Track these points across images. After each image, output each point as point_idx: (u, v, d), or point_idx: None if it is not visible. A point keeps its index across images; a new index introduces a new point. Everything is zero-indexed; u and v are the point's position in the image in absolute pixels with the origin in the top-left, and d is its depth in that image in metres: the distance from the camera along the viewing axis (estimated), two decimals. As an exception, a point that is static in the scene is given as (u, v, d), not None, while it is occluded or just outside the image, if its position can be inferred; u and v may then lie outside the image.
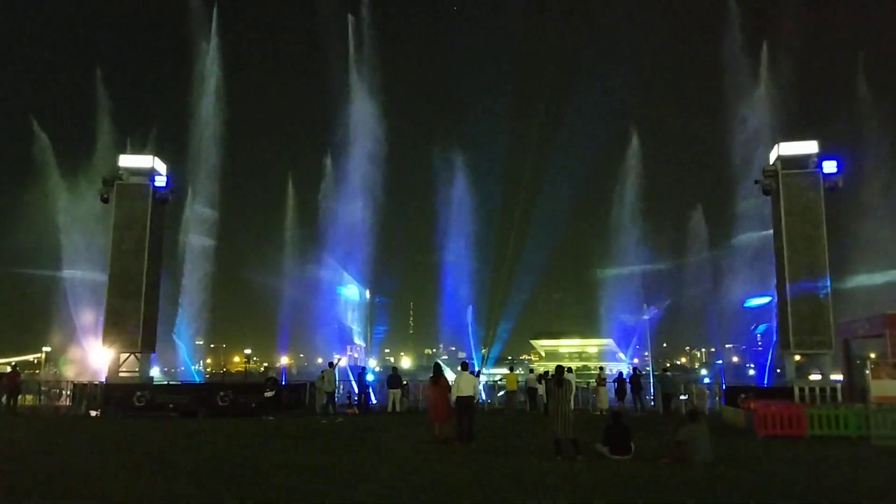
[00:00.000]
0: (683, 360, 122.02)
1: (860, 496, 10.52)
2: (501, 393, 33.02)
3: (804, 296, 26.60)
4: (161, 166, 31.18)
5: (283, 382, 33.71)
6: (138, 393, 28.02)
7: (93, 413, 27.08)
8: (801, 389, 25.65)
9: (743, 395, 24.61)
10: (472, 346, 53.02)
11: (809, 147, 27.69)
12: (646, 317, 48.24)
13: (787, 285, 26.86)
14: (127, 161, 30.63)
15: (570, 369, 22.31)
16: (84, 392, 28.36)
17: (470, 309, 50.78)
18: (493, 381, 37.05)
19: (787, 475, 12.38)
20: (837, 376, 27.48)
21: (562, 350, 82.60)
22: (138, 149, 32.21)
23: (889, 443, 17.05)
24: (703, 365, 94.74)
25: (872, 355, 25.07)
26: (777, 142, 28.43)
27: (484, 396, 32.30)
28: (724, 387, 30.78)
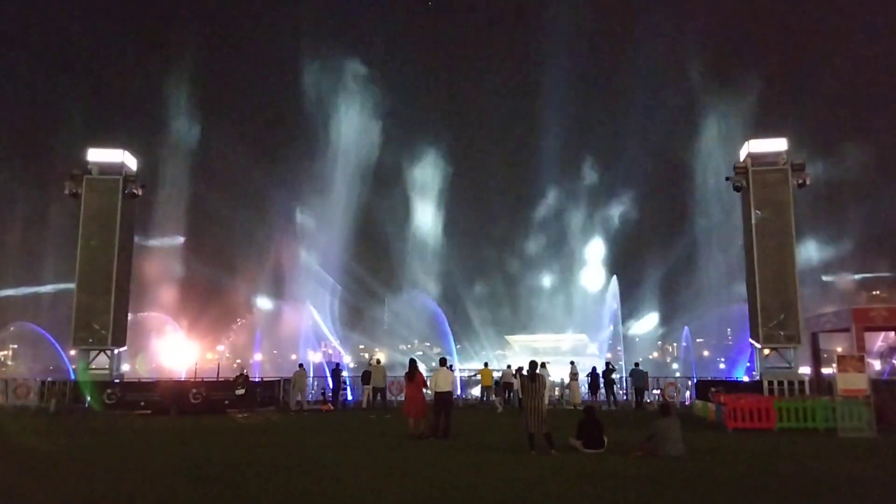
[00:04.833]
0: (655, 354, 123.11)
1: (827, 487, 10.69)
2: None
3: (773, 291, 27.00)
4: (131, 160, 30.63)
5: (257, 379, 33.46)
6: (108, 390, 27.61)
7: (61, 411, 26.56)
8: (770, 383, 26.08)
9: (713, 389, 24.97)
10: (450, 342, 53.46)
11: (779, 144, 28.13)
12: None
13: (757, 280, 27.24)
14: (96, 155, 30.02)
15: (544, 364, 22.40)
16: (52, 390, 27.86)
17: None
18: (468, 377, 37.16)
19: (756, 467, 12.58)
20: (805, 370, 27.98)
21: (536, 345, 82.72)
22: (107, 142, 31.33)
23: (854, 435, 17.43)
24: (674, 359, 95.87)
25: (839, 349, 25.61)
26: (747, 140, 28.81)
27: (459, 391, 32.46)
28: (694, 381, 31.22)
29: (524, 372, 17.81)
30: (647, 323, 74.91)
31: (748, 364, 34.11)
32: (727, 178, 28.77)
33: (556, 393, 31.13)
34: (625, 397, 32.04)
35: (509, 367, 31.93)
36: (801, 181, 27.54)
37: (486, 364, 35.12)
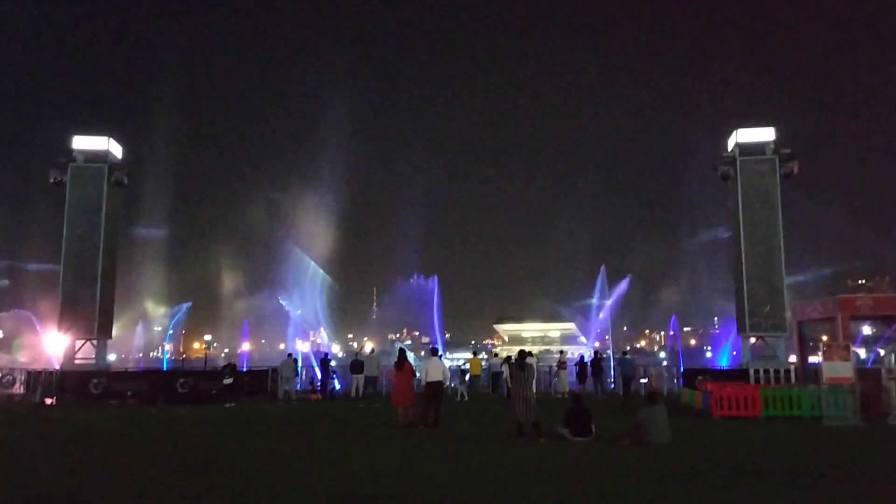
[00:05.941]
0: (643, 343, 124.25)
1: (812, 473, 10.77)
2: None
3: (760, 280, 27.18)
4: (117, 148, 30.29)
5: (245, 369, 33.37)
6: (95, 380, 27.44)
7: (48, 401, 26.42)
8: (756, 371, 26.28)
9: (700, 377, 25.12)
10: (438, 330, 53.51)
11: (766, 134, 28.23)
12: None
13: (744, 269, 27.41)
14: (81, 142, 29.62)
15: (531, 353, 22.45)
16: (38, 379, 27.69)
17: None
18: (458, 366, 37.22)
19: (741, 455, 12.64)
20: (792, 358, 28.21)
21: (524, 334, 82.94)
22: (92, 130, 30.83)
23: (840, 423, 17.56)
24: (662, 348, 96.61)
25: (825, 338, 25.83)
26: (735, 129, 28.85)
27: (449, 381, 32.41)
28: (681, 369, 31.42)
29: (513, 361, 17.85)
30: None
31: (734, 353, 34.40)
32: (714, 168, 28.89)
33: (545, 381, 31.23)
34: (612, 386, 32.19)
35: (496, 355, 32.05)
36: (788, 171, 27.69)
37: (474, 353, 35.27)
